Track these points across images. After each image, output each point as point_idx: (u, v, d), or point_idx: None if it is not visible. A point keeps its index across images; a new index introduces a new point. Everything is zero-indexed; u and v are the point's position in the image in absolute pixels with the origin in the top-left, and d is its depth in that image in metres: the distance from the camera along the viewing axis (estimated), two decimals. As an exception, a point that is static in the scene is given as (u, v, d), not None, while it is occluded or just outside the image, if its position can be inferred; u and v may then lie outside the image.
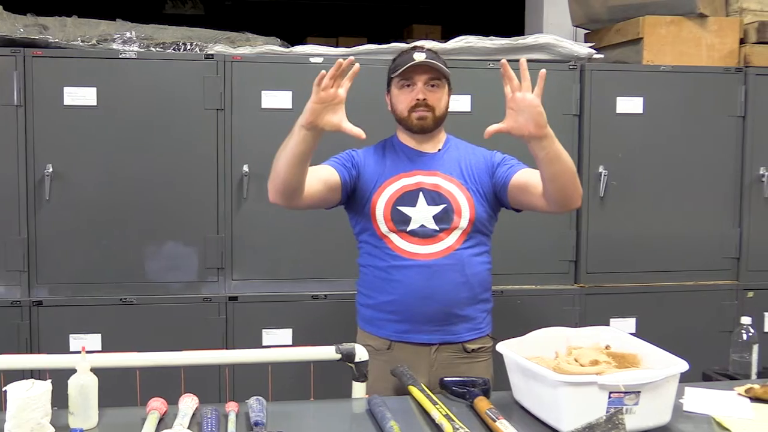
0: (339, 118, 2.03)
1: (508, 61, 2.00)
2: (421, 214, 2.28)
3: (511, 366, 1.82)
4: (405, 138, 2.40)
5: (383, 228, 2.30)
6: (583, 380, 1.62)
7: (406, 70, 2.29)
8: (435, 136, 2.40)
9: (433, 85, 2.32)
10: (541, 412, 1.72)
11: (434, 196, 2.30)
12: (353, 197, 2.36)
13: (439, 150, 2.39)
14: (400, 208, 2.29)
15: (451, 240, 2.29)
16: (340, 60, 1.96)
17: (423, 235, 2.28)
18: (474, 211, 2.31)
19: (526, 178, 2.28)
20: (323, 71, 1.98)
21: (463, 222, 2.30)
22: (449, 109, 2.41)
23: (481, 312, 2.37)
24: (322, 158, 2.35)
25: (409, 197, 2.30)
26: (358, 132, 2.02)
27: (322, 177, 2.26)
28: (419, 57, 2.29)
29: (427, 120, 2.32)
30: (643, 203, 3.34)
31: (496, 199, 2.36)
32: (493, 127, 2.04)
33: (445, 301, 2.28)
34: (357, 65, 2.00)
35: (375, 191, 2.32)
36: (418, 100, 2.30)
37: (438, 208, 2.29)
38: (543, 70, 1.98)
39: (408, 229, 2.29)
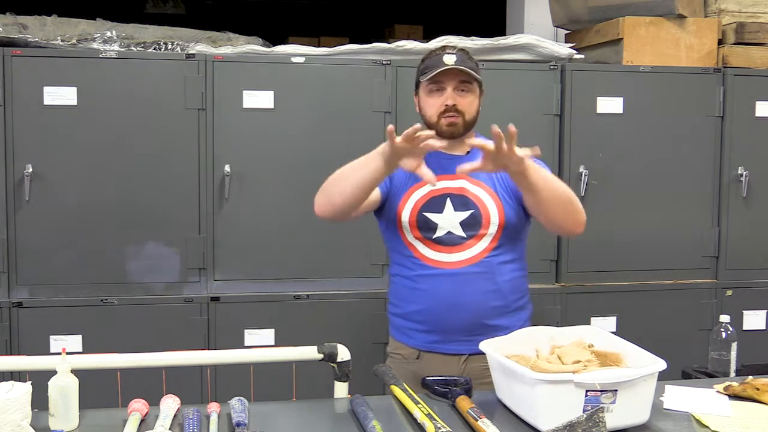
0: (417, 163, 2.00)
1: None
2: (448, 221, 2.20)
3: (493, 364, 1.83)
4: None
5: (409, 236, 2.23)
6: (559, 378, 1.63)
7: (435, 75, 2.18)
8: (465, 138, 2.25)
9: (463, 90, 2.21)
10: (521, 411, 1.73)
11: (462, 201, 2.21)
12: (384, 205, 2.29)
13: (468, 153, 2.27)
14: (426, 214, 2.21)
15: (480, 247, 2.20)
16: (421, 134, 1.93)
17: (450, 243, 2.20)
18: (504, 216, 2.20)
19: None
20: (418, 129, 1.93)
21: (492, 228, 2.20)
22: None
23: (516, 321, 2.24)
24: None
25: (435, 203, 2.21)
26: (431, 178, 2.00)
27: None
28: (449, 60, 2.19)
29: (457, 126, 2.21)
30: (623, 203, 3.37)
31: None
32: (466, 166, 1.96)
33: (475, 311, 2.19)
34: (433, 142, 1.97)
35: (402, 197, 2.25)
36: (447, 105, 2.19)
37: (465, 214, 2.20)
38: (514, 128, 1.88)
39: (434, 236, 2.21)
